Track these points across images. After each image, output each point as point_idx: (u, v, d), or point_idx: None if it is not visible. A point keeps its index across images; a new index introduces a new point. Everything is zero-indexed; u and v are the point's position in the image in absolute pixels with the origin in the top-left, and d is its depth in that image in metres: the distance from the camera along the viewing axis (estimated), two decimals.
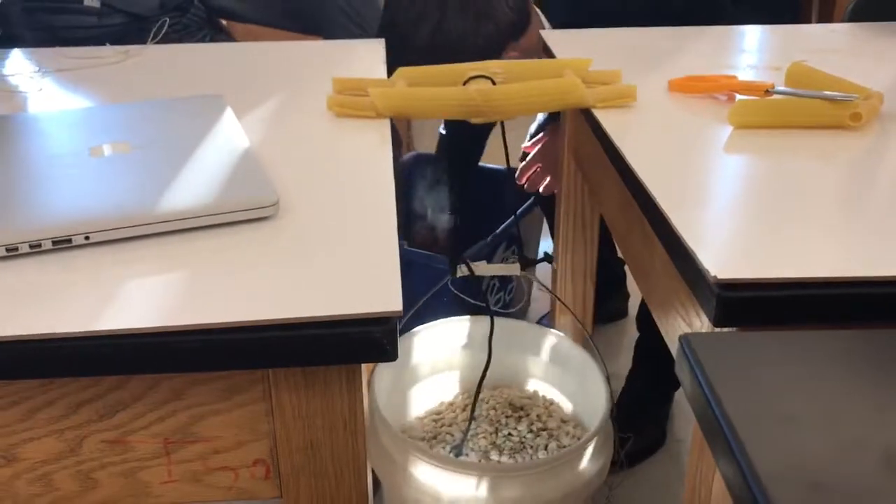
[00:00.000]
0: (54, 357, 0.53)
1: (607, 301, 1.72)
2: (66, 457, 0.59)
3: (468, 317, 1.24)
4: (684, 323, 0.68)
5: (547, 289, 1.28)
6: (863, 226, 0.64)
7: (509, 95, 0.87)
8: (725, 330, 0.57)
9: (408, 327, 1.19)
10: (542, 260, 1.26)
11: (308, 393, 0.57)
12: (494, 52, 1.22)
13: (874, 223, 0.64)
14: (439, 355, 1.25)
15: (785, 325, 0.58)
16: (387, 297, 0.54)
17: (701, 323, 0.63)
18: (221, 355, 0.54)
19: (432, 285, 1.14)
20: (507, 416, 1.22)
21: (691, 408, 0.48)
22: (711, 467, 0.62)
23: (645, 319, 1.51)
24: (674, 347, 0.60)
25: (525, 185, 1.48)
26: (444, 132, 1.80)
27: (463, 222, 1.65)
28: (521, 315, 1.79)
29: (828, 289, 0.57)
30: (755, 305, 0.56)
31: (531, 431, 1.19)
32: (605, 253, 1.48)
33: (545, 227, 1.81)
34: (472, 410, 1.11)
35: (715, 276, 0.55)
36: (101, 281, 0.57)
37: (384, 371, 1.13)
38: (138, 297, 0.55)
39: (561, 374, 1.23)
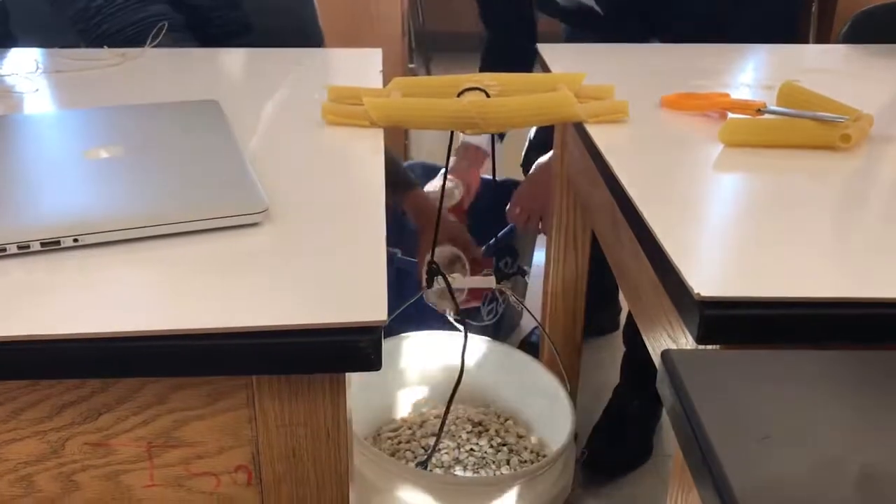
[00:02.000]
0: (39, 358, 0.53)
1: (599, 314, 1.72)
2: (49, 458, 0.59)
3: (439, 331, 1.24)
4: (670, 339, 0.68)
5: (521, 303, 1.29)
6: (849, 247, 0.64)
7: (503, 108, 0.88)
8: (709, 347, 0.58)
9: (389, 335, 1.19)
10: (515, 273, 1.27)
11: (291, 401, 0.57)
12: None
13: (861, 244, 0.65)
14: (409, 368, 1.26)
15: (769, 344, 0.58)
16: (372, 306, 0.54)
17: (686, 340, 0.63)
18: (205, 361, 0.54)
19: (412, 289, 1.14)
20: (467, 432, 1.22)
21: (671, 424, 0.48)
22: (692, 484, 0.62)
23: (631, 334, 1.51)
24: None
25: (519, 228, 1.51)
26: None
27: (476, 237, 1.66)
28: (514, 327, 1.80)
29: (813, 308, 0.57)
30: (739, 324, 0.57)
31: (491, 447, 1.20)
32: (598, 266, 1.49)
33: (539, 238, 1.82)
34: (442, 425, 1.11)
35: (698, 294, 0.56)
36: (88, 284, 0.57)
37: (353, 382, 1.13)
38: (125, 300, 0.56)
39: (527, 395, 1.24)
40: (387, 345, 1.16)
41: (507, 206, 1.51)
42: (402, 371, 1.27)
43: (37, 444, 0.58)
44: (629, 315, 1.43)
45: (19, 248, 0.60)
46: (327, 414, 0.58)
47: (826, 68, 1.12)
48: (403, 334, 1.24)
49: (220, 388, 0.57)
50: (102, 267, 0.59)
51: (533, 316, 1.22)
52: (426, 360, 1.26)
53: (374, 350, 0.53)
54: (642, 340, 0.77)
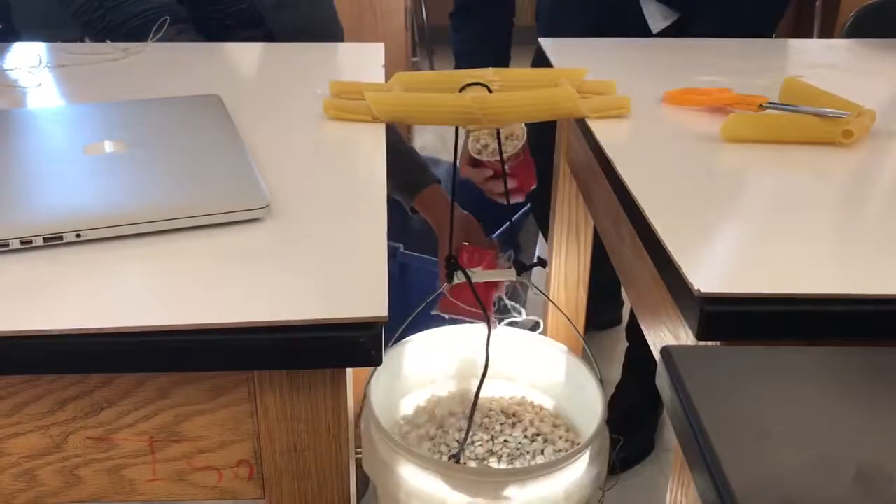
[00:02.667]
0: (41, 353, 0.53)
1: (601, 309, 1.73)
2: (51, 453, 0.59)
3: (463, 324, 1.24)
4: (671, 335, 0.68)
5: (543, 293, 1.29)
6: (851, 243, 0.64)
7: (504, 104, 0.88)
8: (708, 343, 0.58)
9: (406, 333, 1.19)
10: (536, 265, 1.26)
11: (293, 396, 0.58)
12: None
13: (861, 240, 0.65)
14: (435, 363, 1.26)
15: (769, 341, 0.58)
16: (373, 302, 0.55)
17: (686, 336, 0.63)
18: (207, 356, 0.54)
19: (428, 288, 1.14)
20: (500, 423, 1.22)
21: (670, 420, 0.48)
22: (692, 478, 0.63)
23: (634, 330, 1.51)
24: None
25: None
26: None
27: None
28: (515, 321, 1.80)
29: (813, 305, 0.57)
30: (738, 320, 0.57)
31: (526, 437, 1.20)
32: (600, 260, 1.49)
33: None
34: (471, 417, 1.11)
35: (698, 290, 0.56)
36: (91, 279, 0.58)
37: (381, 378, 1.13)
38: (128, 295, 0.56)
39: (552, 381, 1.24)
40: (407, 345, 1.17)
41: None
42: (426, 368, 1.26)
43: (39, 438, 0.58)
44: (632, 311, 1.43)
45: (22, 243, 0.60)
46: (328, 409, 0.58)
47: (829, 63, 1.12)
48: (423, 332, 1.24)
49: (222, 383, 0.58)
50: (104, 262, 0.59)
51: (558, 308, 1.22)
52: (451, 354, 1.26)
53: (374, 345, 0.54)
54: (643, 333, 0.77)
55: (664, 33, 1.28)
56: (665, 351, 0.49)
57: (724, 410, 0.45)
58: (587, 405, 1.15)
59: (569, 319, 1.27)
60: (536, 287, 1.29)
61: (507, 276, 1.16)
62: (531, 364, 1.26)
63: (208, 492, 0.61)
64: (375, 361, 0.54)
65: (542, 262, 1.26)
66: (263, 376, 0.57)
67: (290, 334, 0.53)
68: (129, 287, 0.57)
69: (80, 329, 0.52)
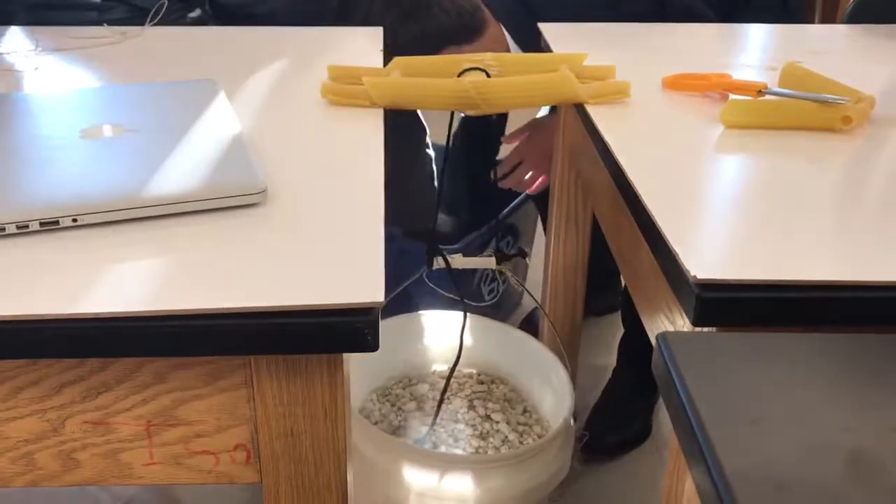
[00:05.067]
0: (38, 338, 0.53)
1: (600, 294, 1.72)
2: (49, 436, 0.59)
3: (441, 311, 1.24)
4: (668, 321, 0.68)
5: (521, 283, 1.29)
6: (848, 230, 0.64)
7: (503, 89, 0.87)
8: (705, 330, 0.58)
9: (392, 314, 1.20)
10: (515, 255, 1.27)
11: (289, 380, 0.58)
12: (426, 53, 1.24)
13: (860, 227, 0.64)
14: (408, 347, 1.26)
15: (765, 327, 0.58)
16: (370, 288, 0.55)
17: (683, 322, 0.63)
18: (204, 341, 0.54)
19: (427, 276, 1.14)
20: (469, 409, 1.23)
21: (665, 406, 0.49)
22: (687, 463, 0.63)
23: (629, 315, 1.52)
24: None
25: (511, 186, 1.48)
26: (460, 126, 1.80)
27: (475, 215, 1.64)
28: (514, 307, 1.80)
29: (809, 292, 0.57)
30: (735, 306, 0.57)
31: (492, 423, 1.20)
32: (599, 246, 1.50)
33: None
34: (440, 403, 1.11)
35: (695, 276, 0.56)
36: (87, 263, 0.58)
37: (353, 359, 1.13)
38: (124, 280, 0.56)
39: (526, 373, 1.25)
40: (390, 323, 1.17)
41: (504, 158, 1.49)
42: (404, 350, 1.28)
43: (37, 422, 0.59)
44: (627, 296, 1.43)
45: (18, 227, 0.60)
46: (325, 393, 0.58)
47: (830, 49, 1.12)
48: (405, 314, 1.25)
49: (219, 368, 0.58)
50: (101, 247, 0.59)
51: (533, 297, 1.22)
52: (429, 338, 1.27)
53: (370, 331, 0.54)
54: (639, 319, 0.77)
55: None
56: (661, 337, 0.49)
57: (718, 396, 0.45)
58: (556, 398, 1.15)
59: (545, 314, 1.27)
60: (515, 277, 1.30)
61: (486, 264, 1.16)
62: (505, 354, 1.26)
63: (205, 476, 0.62)
64: (372, 347, 0.54)
65: (523, 253, 1.26)
66: (260, 361, 0.57)
67: (287, 319, 0.54)
68: (125, 272, 0.57)
69: (77, 314, 0.52)
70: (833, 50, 1.12)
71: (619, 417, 1.46)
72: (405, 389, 1.27)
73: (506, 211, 1.58)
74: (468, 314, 1.19)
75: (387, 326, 1.21)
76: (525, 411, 1.24)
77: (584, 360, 1.51)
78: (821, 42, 1.16)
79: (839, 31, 1.24)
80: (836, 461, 0.40)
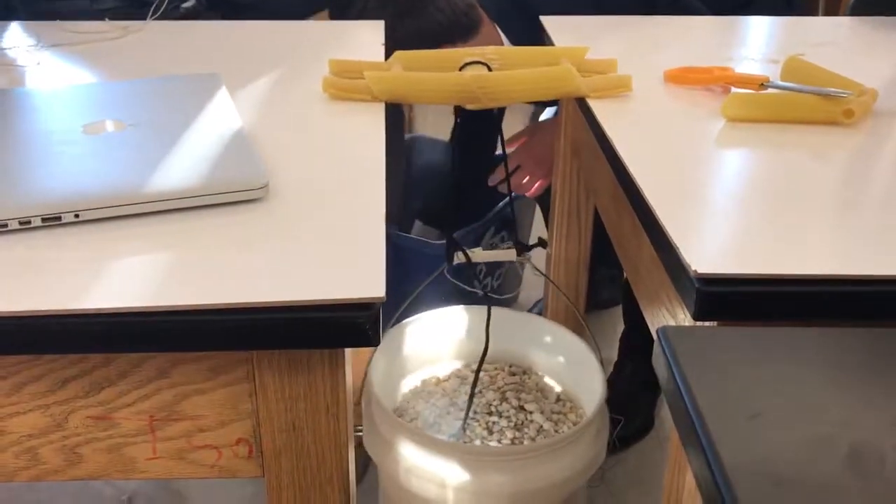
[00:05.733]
0: (41, 333, 0.54)
1: (602, 288, 1.73)
2: (52, 431, 0.60)
3: (463, 306, 1.24)
4: (669, 315, 0.68)
5: (543, 274, 1.29)
6: (850, 224, 0.64)
7: (504, 82, 0.87)
8: (706, 324, 0.58)
9: (404, 315, 1.20)
10: (536, 245, 1.26)
11: (291, 375, 0.58)
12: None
13: (862, 221, 0.64)
14: (435, 344, 1.26)
15: (766, 322, 0.58)
16: (371, 283, 0.55)
17: (684, 316, 0.63)
18: (205, 336, 0.55)
19: (423, 271, 1.14)
20: (502, 402, 1.23)
21: (666, 400, 0.49)
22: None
23: (630, 309, 1.52)
24: None
25: (510, 188, 1.48)
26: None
27: (467, 209, 1.65)
28: (513, 301, 1.80)
29: (811, 286, 0.57)
30: (735, 301, 0.57)
31: (526, 415, 1.20)
32: (601, 240, 1.50)
33: (538, 211, 1.82)
34: (471, 396, 1.11)
35: (696, 270, 0.56)
36: (89, 259, 0.58)
37: (382, 358, 1.13)
38: (126, 276, 0.56)
39: (555, 361, 1.24)
40: (396, 329, 1.17)
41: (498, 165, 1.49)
42: (418, 352, 1.27)
43: (40, 417, 0.59)
44: (628, 290, 1.43)
45: (20, 223, 0.60)
46: (326, 388, 0.59)
47: (832, 41, 1.11)
48: (409, 319, 1.24)
49: (221, 363, 0.58)
50: (103, 242, 0.60)
51: (559, 288, 1.22)
52: (455, 334, 1.26)
53: (371, 326, 0.54)
54: (640, 313, 0.77)
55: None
56: (662, 331, 0.49)
57: (718, 390, 0.45)
58: (588, 384, 1.15)
59: (569, 300, 1.27)
60: (536, 267, 1.30)
61: (507, 256, 1.16)
62: (532, 344, 1.26)
63: (208, 470, 0.62)
64: (373, 342, 0.55)
65: (543, 243, 1.26)
66: (262, 356, 0.57)
67: (289, 314, 0.54)
68: (127, 267, 0.57)
69: (79, 309, 0.53)
70: (836, 43, 1.11)
71: (620, 411, 1.46)
72: (437, 386, 1.27)
73: (501, 204, 1.58)
74: (498, 308, 1.19)
75: (405, 328, 1.22)
76: (559, 399, 1.23)
77: None
78: (823, 35, 1.16)
79: (842, 23, 1.24)
80: (836, 455, 0.40)
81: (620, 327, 1.58)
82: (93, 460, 0.61)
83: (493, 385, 1.26)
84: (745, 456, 0.40)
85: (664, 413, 1.52)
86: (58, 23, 1.12)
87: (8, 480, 0.61)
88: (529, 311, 1.75)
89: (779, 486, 0.39)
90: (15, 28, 1.12)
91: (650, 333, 0.74)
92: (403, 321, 1.20)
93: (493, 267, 1.64)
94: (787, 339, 0.50)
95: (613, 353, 1.57)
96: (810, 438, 0.41)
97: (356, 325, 0.54)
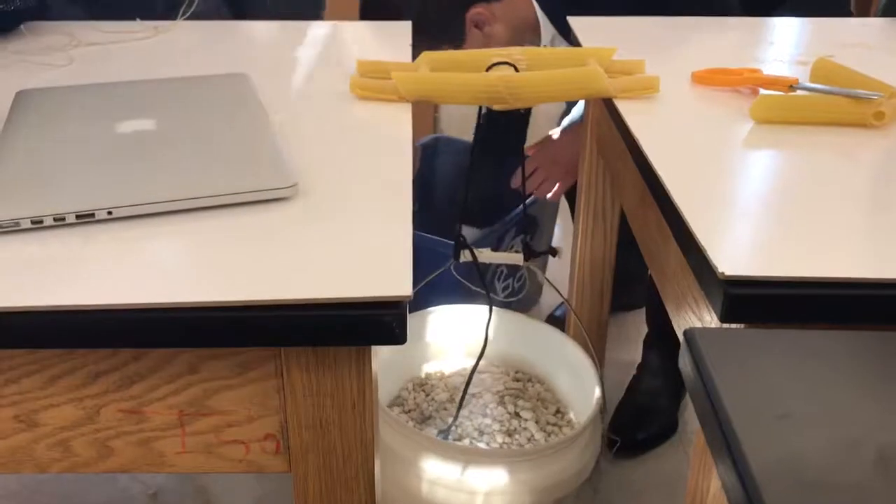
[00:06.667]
0: (75, 328, 0.55)
1: (627, 290, 1.72)
2: (84, 424, 0.61)
3: (470, 305, 1.24)
4: (695, 317, 0.68)
5: (549, 282, 1.29)
6: (879, 227, 0.64)
7: (531, 83, 0.88)
8: (732, 326, 0.58)
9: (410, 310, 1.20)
10: (545, 252, 1.26)
11: (319, 372, 0.59)
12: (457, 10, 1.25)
13: (890, 224, 0.64)
14: (446, 339, 1.27)
15: (793, 324, 0.58)
16: (398, 281, 0.55)
17: (711, 318, 0.63)
18: (236, 332, 0.55)
19: (437, 269, 1.15)
20: (497, 403, 1.23)
21: (692, 401, 0.49)
22: (713, 460, 0.63)
23: (653, 312, 1.51)
24: None
25: (525, 192, 1.50)
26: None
27: (492, 211, 1.65)
28: (532, 304, 1.80)
29: (838, 289, 0.57)
30: (763, 303, 0.57)
31: (519, 418, 1.20)
32: (626, 242, 1.49)
33: (560, 212, 1.82)
34: (463, 395, 1.11)
35: (723, 273, 0.56)
36: (121, 255, 0.59)
37: (380, 353, 1.14)
38: (157, 272, 0.57)
39: (560, 372, 1.24)
40: (413, 319, 1.18)
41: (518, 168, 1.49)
42: (428, 344, 1.28)
43: (73, 410, 0.60)
44: (652, 292, 1.42)
45: (55, 220, 0.61)
46: (353, 385, 0.59)
47: (863, 43, 1.10)
48: (429, 308, 1.25)
49: (250, 359, 0.59)
50: (135, 239, 0.61)
51: (560, 294, 1.22)
52: (454, 333, 1.27)
53: (398, 324, 0.54)
54: (665, 316, 0.77)
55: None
56: (688, 333, 0.49)
57: (745, 392, 0.45)
58: (583, 392, 1.15)
59: (574, 313, 1.27)
60: (542, 275, 1.30)
61: (514, 259, 1.16)
62: (539, 352, 1.26)
63: (236, 465, 0.63)
64: (399, 340, 0.55)
65: (553, 251, 1.26)
66: (290, 353, 0.58)
67: (317, 312, 0.54)
68: (159, 264, 0.58)
69: (112, 305, 0.54)
70: (866, 44, 1.10)
71: (644, 414, 1.46)
72: (441, 380, 1.28)
73: (520, 207, 1.58)
74: (510, 312, 1.19)
75: (423, 317, 1.23)
76: (557, 412, 1.23)
77: (610, 355, 1.51)
78: (853, 36, 1.15)
79: (872, 24, 1.23)
80: (864, 459, 0.40)
81: (645, 330, 1.57)
82: (123, 453, 0.62)
83: (494, 387, 1.26)
84: (773, 458, 0.40)
85: (686, 416, 1.52)
86: (90, 23, 1.14)
87: (41, 472, 0.62)
88: (552, 314, 1.75)
89: (806, 488, 0.39)
90: (49, 27, 1.14)
91: (674, 336, 0.74)
92: (415, 312, 1.20)
93: (513, 268, 1.64)
94: (815, 341, 0.50)
95: (637, 356, 1.57)
96: (838, 441, 0.41)
97: (383, 323, 0.54)
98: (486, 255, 1.11)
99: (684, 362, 0.50)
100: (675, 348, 0.59)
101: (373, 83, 0.88)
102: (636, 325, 1.73)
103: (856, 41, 1.11)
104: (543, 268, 1.69)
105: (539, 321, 1.30)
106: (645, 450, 1.44)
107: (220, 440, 0.62)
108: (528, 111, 1.67)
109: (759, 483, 0.39)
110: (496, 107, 0.89)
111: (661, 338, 1.50)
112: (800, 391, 0.45)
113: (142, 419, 0.61)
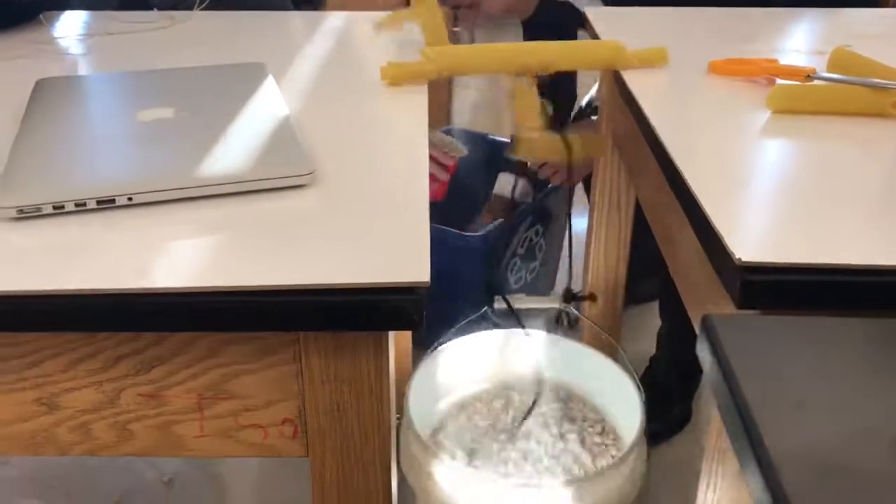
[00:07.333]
0: (96, 312, 0.55)
1: (641, 282, 1.72)
2: (105, 408, 0.61)
3: (504, 330, 1.23)
4: (711, 304, 0.68)
5: (593, 322, 1.28)
6: (895, 215, 0.64)
7: (555, 51, 0.90)
8: (749, 312, 0.58)
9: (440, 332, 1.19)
10: (586, 298, 1.26)
11: (336, 357, 0.59)
12: None
13: None
14: (472, 369, 1.24)
15: (810, 311, 0.58)
16: (416, 268, 0.56)
17: (727, 305, 0.63)
18: (255, 317, 0.56)
19: (448, 261, 1.14)
20: (543, 427, 1.21)
21: (710, 388, 0.49)
22: (727, 448, 0.63)
23: (667, 303, 1.51)
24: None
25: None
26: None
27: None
28: (549, 288, 1.79)
29: (855, 276, 0.57)
30: (779, 289, 0.57)
31: (563, 441, 1.19)
32: (641, 233, 1.49)
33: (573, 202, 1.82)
34: (518, 427, 1.10)
35: (739, 259, 0.56)
36: (142, 241, 0.59)
37: (420, 380, 1.13)
38: (177, 257, 0.57)
39: (604, 393, 1.22)
40: (446, 349, 1.17)
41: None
42: (465, 373, 1.25)
43: (93, 393, 0.61)
44: (666, 283, 1.42)
45: (76, 205, 0.62)
46: (371, 370, 0.60)
47: (880, 33, 1.10)
48: (463, 337, 1.23)
49: (269, 344, 0.59)
50: (155, 225, 0.61)
51: (609, 338, 1.21)
52: (489, 360, 1.25)
53: (416, 310, 0.55)
54: (679, 308, 0.77)
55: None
56: (706, 320, 0.50)
57: (763, 379, 0.45)
58: (629, 419, 1.13)
59: (607, 335, 1.27)
60: (585, 317, 1.28)
61: (550, 303, 1.16)
62: (579, 373, 1.24)
63: (254, 449, 0.63)
64: (417, 326, 0.55)
65: (593, 297, 1.26)
66: (309, 338, 0.59)
67: (335, 297, 0.55)
68: (178, 249, 0.59)
69: (132, 289, 0.54)
70: (884, 34, 1.09)
71: (659, 404, 1.46)
72: (483, 404, 1.26)
73: (537, 198, 1.58)
74: (543, 333, 1.18)
75: (469, 342, 1.21)
76: (603, 432, 1.22)
77: (625, 346, 1.51)
78: (871, 26, 1.14)
79: (889, 14, 1.22)
80: (882, 445, 0.40)
81: (658, 322, 1.57)
82: (143, 437, 0.62)
83: (537, 410, 1.23)
84: (792, 445, 0.40)
85: (699, 405, 1.52)
86: (108, 13, 1.15)
87: (62, 454, 0.63)
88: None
89: (824, 474, 0.39)
90: (68, 17, 1.15)
91: (686, 328, 0.74)
92: (441, 345, 1.19)
93: (526, 261, 1.64)
94: (832, 328, 0.50)
95: (651, 348, 1.57)
96: (856, 427, 0.41)
97: (401, 308, 0.55)
98: (521, 302, 1.11)
99: (702, 349, 0.50)
100: (688, 340, 0.60)
101: (406, 65, 0.89)
102: (652, 317, 1.73)
103: (873, 31, 1.10)
104: (559, 244, 1.69)
105: (580, 343, 1.28)
106: (658, 441, 1.44)
107: (238, 424, 0.62)
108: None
109: (778, 468, 0.39)
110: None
111: (674, 330, 1.50)
112: (818, 378, 0.45)
113: (161, 403, 0.61)
